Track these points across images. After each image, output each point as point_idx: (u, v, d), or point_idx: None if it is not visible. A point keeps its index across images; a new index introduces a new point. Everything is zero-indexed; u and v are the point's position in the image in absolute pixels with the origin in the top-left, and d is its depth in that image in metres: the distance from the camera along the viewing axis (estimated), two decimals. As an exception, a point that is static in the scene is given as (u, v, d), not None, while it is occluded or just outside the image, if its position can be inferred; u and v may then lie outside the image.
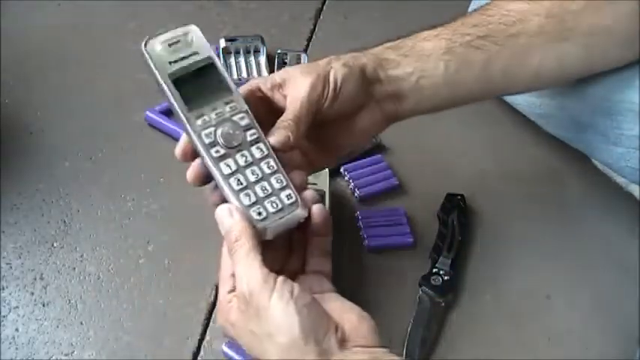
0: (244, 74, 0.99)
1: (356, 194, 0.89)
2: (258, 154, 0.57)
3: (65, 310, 0.77)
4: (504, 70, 0.70)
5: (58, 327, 0.76)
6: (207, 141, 0.56)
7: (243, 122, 0.58)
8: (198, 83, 0.58)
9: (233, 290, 0.54)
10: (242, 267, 0.53)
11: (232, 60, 1.01)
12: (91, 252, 0.82)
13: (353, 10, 1.14)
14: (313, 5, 1.14)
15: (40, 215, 0.85)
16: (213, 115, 0.57)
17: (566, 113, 0.84)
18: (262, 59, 1.01)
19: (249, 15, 1.11)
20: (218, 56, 1.00)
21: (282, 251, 0.60)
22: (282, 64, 1.01)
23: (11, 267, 0.80)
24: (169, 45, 0.58)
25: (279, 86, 0.63)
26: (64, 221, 0.85)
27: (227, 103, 0.58)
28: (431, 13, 1.12)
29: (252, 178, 0.56)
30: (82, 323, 0.76)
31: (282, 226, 0.56)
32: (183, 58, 0.58)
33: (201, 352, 0.75)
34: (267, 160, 0.57)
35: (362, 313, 0.54)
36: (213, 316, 0.78)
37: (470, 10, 0.94)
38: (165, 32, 0.58)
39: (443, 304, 0.79)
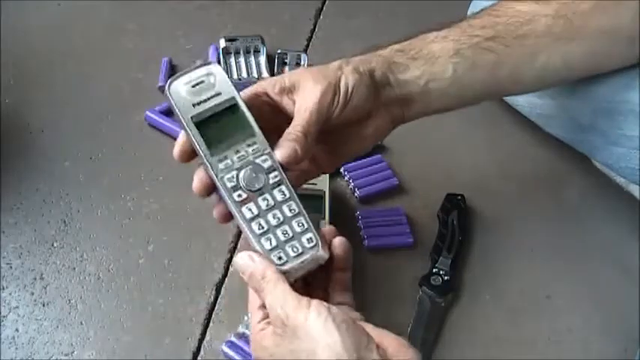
0: (244, 74, 0.99)
1: (356, 194, 0.89)
2: (279, 197, 0.57)
3: (65, 310, 0.77)
4: (511, 71, 0.69)
5: (58, 327, 0.76)
6: (229, 185, 0.57)
7: (266, 165, 0.57)
8: (221, 125, 0.57)
9: (264, 319, 0.54)
10: (273, 296, 0.53)
11: (232, 60, 1.01)
12: (91, 252, 0.82)
13: (353, 10, 1.14)
14: (313, 5, 1.14)
15: (40, 215, 0.85)
16: (235, 158, 0.57)
17: (566, 114, 0.84)
18: (262, 59, 1.01)
19: (249, 15, 1.11)
20: (218, 56, 1.02)
21: (301, 290, 0.58)
22: (282, 64, 1.01)
23: (11, 267, 0.80)
24: (192, 86, 0.58)
25: (289, 91, 0.62)
26: (64, 221, 0.85)
27: (249, 145, 0.58)
28: (431, 13, 1.13)
29: (274, 222, 0.56)
30: (82, 323, 0.76)
31: (302, 269, 0.56)
32: (206, 100, 0.58)
33: (201, 352, 0.75)
34: (289, 203, 0.57)
35: (400, 339, 0.53)
36: (213, 316, 0.78)
37: (470, 9, 0.95)
38: (188, 72, 0.58)
39: (443, 304, 0.79)
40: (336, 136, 0.65)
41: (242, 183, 0.57)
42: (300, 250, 0.56)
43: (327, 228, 0.59)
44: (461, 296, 0.81)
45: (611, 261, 0.86)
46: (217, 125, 0.57)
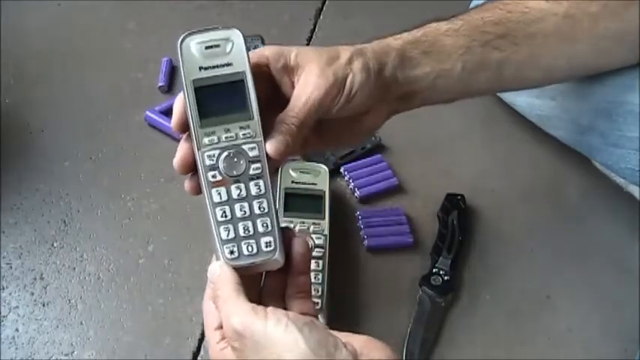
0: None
1: (356, 194, 0.89)
2: (254, 191, 0.53)
3: (65, 310, 0.77)
4: (517, 70, 0.69)
5: (58, 327, 0.76)
6: (207, 162, 0.53)
7: (252, 153, 0.54)
8: (220, 98, 0.53)
9: (223, 339, 0.51)
10: (228, 307, 0.50)
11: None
12: (91, 252, 0.82)
13: (353, 10, 1.14)
14: (313, 5, 1.14)
15: (40, 215, 0.85)
16: (223, 137, 0.53)
17: (566, 115, 0.84)
18: (262, 59, 1.01)
19: (249, 15, 1.11)
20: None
21: (257, 300, 0.55)
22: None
23: (11, 267, 0.80)
24: (206, 47, 0.54)
25: (291, 70, 0.59)
26: (64, 221, 0.85)
27: (242, 128, 0.54)
28: (431, 13, 1.13)
29: (239, 214, 0.53)
30: (82, 323, 0.76)
31: (253, 269, 0.53)
32: (214, 67, 0.54)
33: (201, 352, 0.75)
34: (261, 200, 0.53)
35: (368, 337, 0.51)
36: (213, 316, 0.78)
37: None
38: (207, 31, 0.54)
39: (443, 304, 0.79)
40: (327, 125, 0.63)
41: (221, 165, 0.53)
42: (255, 251, 0.53)
43: (287, 230, 0.55)
44: (461, 296, 0.81)
45: (611, 261, 0.86)
46: (217, 97, 0.53)
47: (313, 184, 0.83)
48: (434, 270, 0.81)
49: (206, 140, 0.53)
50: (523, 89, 0.86)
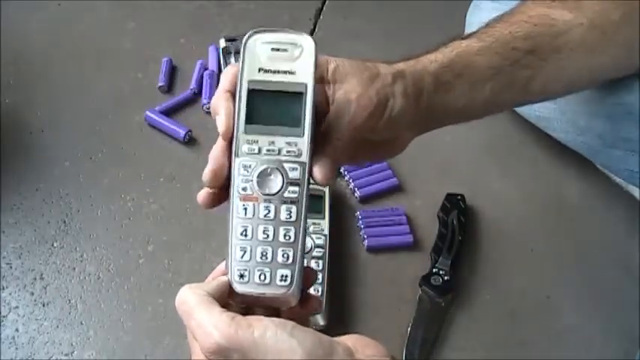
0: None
1: (356, 194, 0.89)
2: (284, 216, 0.47)
3: (65, 310, 0.77)
4: (542, 85, 0.66)
5: (58, 327, 0.76)
6: (242, 172, 0.48)
7: (292, 174, 0.48)
8: (273, 106, 0.48)
9: None
10: (202, 322, 0.45)
11: (232, 60, 1.01)
12: (91, 252, 0.82)
13: (353, 10, 1.14)
14: (313, 5, 1.14)
15: (40, 215, 0.85)
16: (265, 149, 0.48)
17: (565, 116, 0.84)
18: (262, 59, 1.01)
19: (249, 15, 1.11)
20: (218, 56, 1.02)
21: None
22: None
23: (11, 267, 0.80)
24: (272, 49, 0.49)
25: (328, 83, 0.54)
26: (64, 221, 0.85)
27: (289, 144, 0.48)
28: (431, 13, 1.13)
29: (260, 236, 0.47)
30: (82, 323, 0.76)
31: (257, 301, 0.48)
32: (276, 72, 0.49)
33: (201, 352, 0.75)
34: (288, 227, 0.47)
35: (362, 336, 0.48)
36: (213, 316, 0.78)
37: (470, 9, 0.95)
38: (278, 32, 0.49)
39: (443, 304, 0.79)
40: (353, 144, 0.57)
41: (255, 178, 0.47)
42: (268, 281, 0.47)
43: (310, 270, 0.50)
44: (461, 296, 0.81)
45: (611, 261, 0.86)
46: (270, 104, 0.48)
47: (313, 183, 0.83)
48: (434, 270, 0.81)
49: (245, 148, 0.48)
50: (542, 102, 0.83)
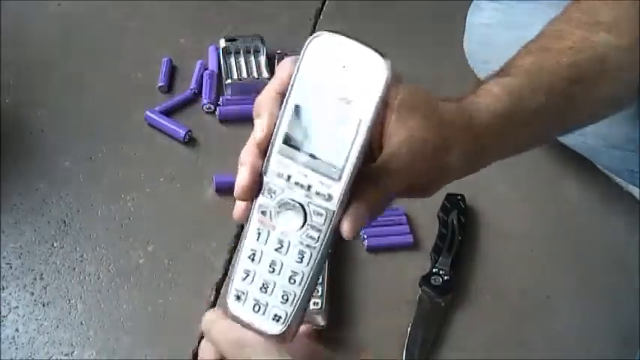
0: (244, 74, 0.99)
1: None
2: (294, 257, 0.42)
3: (65, 310, 0.77)
4: (590, 113, 0.62)
5: (58, 327, 0.76)
6: (265, 194, 0.42)
7: (315, 219, 0.41)
8: (316, 133, 0.40)
9: None
10: (219, 327, 0.46)
11: (232, 60, 1.01)
12: (91, 252, 0.82)
13: (353, 10, 1.14)
14: (313, 5, 1.14)
15: (40, 215, 0.85)
16: (294, 179, 0.41)
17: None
18: (262, 59, 1.01)
19: (249, 15, 1.11)
20: (218, 56, 1.02)
21: None
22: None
23: (11, 267, 0.80)
24: (334, 60, 0.40)
25: (385, 113, 0.47)
26: (64, 221, 0.85)
27: (321, 184, 0.41)
28: (430, 13, 1.13)
29: (266, 267, 0.43)
30: (82, 323, 0.76)
31: (248, 327, 0.44)
32: (329, 94, 0.40)
33: (201, 352, 0.75)
34: (296, 271, 0.42)
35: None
36: (213, 316, 0.78)
37: (470, 9, 0.95)
38: (349, 39, 0.40)
39: (443, 304, 0.79)
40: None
41: (274, 208, 0.42)
42: (260, 313, 0.43)
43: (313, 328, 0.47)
44: (461, 296, 0.81)
45: (611, 261, 0.86)
46: (313, 131, 0.40)
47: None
48: (434, 270, 0.81)
49: (275, 170, 0.41)
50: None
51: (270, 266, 0.43)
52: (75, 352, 0.74)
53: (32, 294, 0.78)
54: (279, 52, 1.02)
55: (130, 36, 1.06)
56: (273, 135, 0.41)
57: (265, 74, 0.99)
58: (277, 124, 0.41)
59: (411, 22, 1.11)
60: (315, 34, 0.40)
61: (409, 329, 0.77)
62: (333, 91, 0.39)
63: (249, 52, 1.02)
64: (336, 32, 0.40)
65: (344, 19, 1.12)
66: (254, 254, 0.43)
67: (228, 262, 0.82)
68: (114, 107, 0.97)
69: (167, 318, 0.77)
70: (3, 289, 0.78)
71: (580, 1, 0.61)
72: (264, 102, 0.43)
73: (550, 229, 0.89)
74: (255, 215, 0.43)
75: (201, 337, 0.74)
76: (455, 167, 0.51)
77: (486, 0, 0.93)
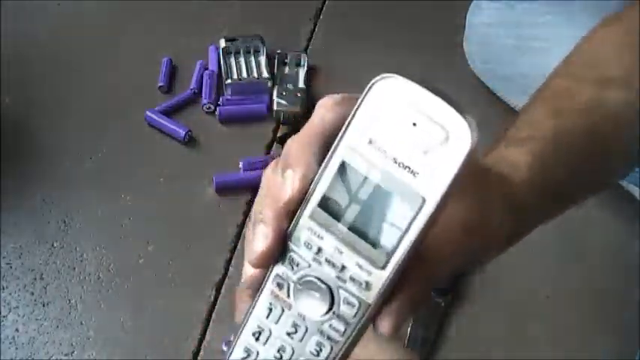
0: (244, 74, 0.99)
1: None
2: (311, 348, 0.34)
3: (65, 310, 0.77)
4: (609, 174, 0.59)
5: (58, 327, 0.76)
6: (285, 260, 0.34)
7: (344, 309, 0.33)
8: (363, 204, 0.31)
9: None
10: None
11: (232, 60, 1.01)
12: (91, 252, 0.82)
13: (353, 10, 1.14)
14: (313, 5, 1.14)
15: (40, 215, 0.85)
16: (324, 256, 0.33)
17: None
18: (262, 59, 1.01)
19: (249, 15, 1.11)
20: (218, 56, 1.01)
21: None
22: (282, 64, 1.01)
23: (11, 267, 0.80)
24: (404, 117, 0.30)
25: None
26: (64, 221, 0.85)
27: (360, 268, 0.32)
28: (430, 13, 1.13)
29: (272, 353, 0.35)
30: (82, 323, 0.76)
31: None
32: (392, 158, 0.30)
33: (201, 352, 0.75)
34: None
35: None
36: (213, 316, 0.78)
37: (470, 10, 0.95)
38: (427, 90, 0.30)
39: (443, 304, 0.79)
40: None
41: (297, 284, 0.33)
42: None
43: None
44: (461, 296, 0.81)
45: (611, 261, 0.86)
46: (360, 199, 0.31)
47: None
48: (434, 270, 0.81)
49: (303, 237, 0.33)
50: None
51: (278, 351, 0.35)
52: (75, 352, 0.74)
53: (32, 294, 0.78)
54: (279, 52, 1.02)
55: (130, 36, 1.06)
56: (308, 193, 0.33)
57: (265, 74, 0.99)
58: (314, 180, 0.33)
59: (411, 22, 1.11)
60: (383, 75, 0.31)
61: (409, 329, 0.77)
62: (395, 154, 0.30)
63: (249, 52, 1.02)
64: (410, 79, 0.30)
65: (344, 18, 1.12)
66: (260, 333, 0.35)
67: (228, 262, 0.82)
68: (114, 107, 0.97)
69: (167, 318, 0.77)
70: (3, 289, 0.79)
71: (581, 49, 0.57)
72: (298, 149, 0.34)
73: (550, 228, 0.88)
74: (269, 285, 0.34)
75: (203, 334, 0.74)
76: (497, 245, 0.47)
77: (486, 0, 0.93)
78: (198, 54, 1.03)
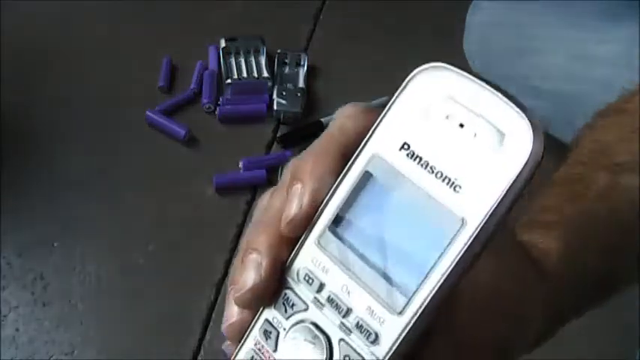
0: (244, 74, 0.99)
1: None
2: None
3: (65, 310, 0.77)
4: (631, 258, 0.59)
5: (58, 327, 0.76)
6: (277, 306, 0.28)
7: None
8: (387, 226, 0.25)
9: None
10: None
11: (232, 60, 1.01)
12: (91, 252, 0.82)
13: (353, 10, 1.14)
14: (313, 5, 1.14)
15: (40, 215, 0.85)
16: (328, 292, 0.26)
17: (561, 116, 0.84)
18: (262, 59, 1.01)
19: (249, 15, 1.11)
20: (218, 56, 1.02)
21: None
22: (283, 64, 1.01)
23: (11, 267, 0.80)
24: (448, 117, 0.24)
25: None
26: (64, 221, 0.85)
27: (370, 312, 0.25)
28: (431, 13, 1.13)
29: None
30: (82, 323, 0.76)
31: None
32: (427, 166, 0.24)
33: (201, 352, 0.75)
34: None
35: None
36: (213, 316, 0.78)
37: (470, 10, 0.95)
38: (481, 80, 0.24)
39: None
40: None
41: (288, 330, 0.27)
42: None
43: None
44: (461, 296, 0.81)
45: (611, 261, 0.86)
46: (383, 220, 0.25)
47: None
48: (434, 270, 0.81)
49: (305, 265, 0.27)
50: None
51: None
52: (75, 352, 0.74)
53: (32, 294, 0.78)
54: (279, 52, 1.02)
55: (130, 36, 1.06)
56: (316, 215, 0.27)
57: (265, 74, 0.99)
58: (326, 198, 0.26)
59: (410, 22, 1.11)
60: (427, 65, 0.25)
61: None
62: (434, 162, 0.24)
63: (249, 52, 1.02)
64: (459, 68, 0.24)
65: (344, 18, 1.12)
66: None
67: (228, 262, 0.82)
68: (114, 107, 0.97)
69: (167, 318, 0.77)
70: (3, 288, 0.79)
71: (586, 138, 0.57)
72: (309, 160, 0.27)
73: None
74: (255, 332, 0.28)
75: (203, 334, 0.74)
76: (531, 334, 0.40)
77: (486, 0, 0.93)
78: (198, 54, 1.03)
